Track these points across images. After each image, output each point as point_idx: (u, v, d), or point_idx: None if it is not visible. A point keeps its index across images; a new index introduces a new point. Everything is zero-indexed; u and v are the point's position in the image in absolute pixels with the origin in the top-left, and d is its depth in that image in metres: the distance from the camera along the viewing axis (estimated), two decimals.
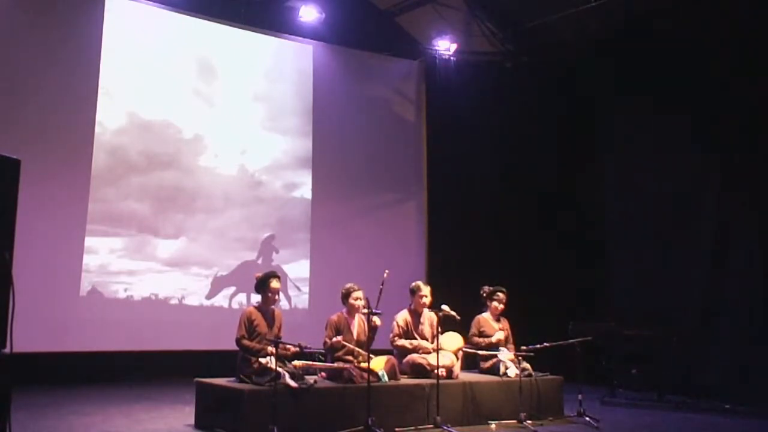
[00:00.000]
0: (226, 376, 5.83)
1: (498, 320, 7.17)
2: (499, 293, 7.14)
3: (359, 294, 6.23)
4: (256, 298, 6.12)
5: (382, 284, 6.19)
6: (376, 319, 5.99)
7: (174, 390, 7.67)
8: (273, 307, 6.03)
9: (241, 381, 5.65)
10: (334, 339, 6.10)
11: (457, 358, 6.65)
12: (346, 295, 6.31)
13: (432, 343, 6.53)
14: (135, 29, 9.32)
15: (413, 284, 6.83)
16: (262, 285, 5.95)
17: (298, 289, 9.95)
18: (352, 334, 6.26)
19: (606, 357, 8.53)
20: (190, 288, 9.30)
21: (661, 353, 8.43)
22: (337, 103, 10.82)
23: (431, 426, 5.98)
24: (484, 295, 7.18)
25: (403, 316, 6.72)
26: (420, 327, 6.72)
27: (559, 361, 6.93)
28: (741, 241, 8.75)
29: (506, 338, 7.14)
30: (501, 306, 7.13)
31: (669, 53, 9.55)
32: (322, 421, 5.49)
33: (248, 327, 5.81)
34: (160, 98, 9.39)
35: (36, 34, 8.56)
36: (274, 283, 5.94)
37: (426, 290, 6.72)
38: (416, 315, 6.75)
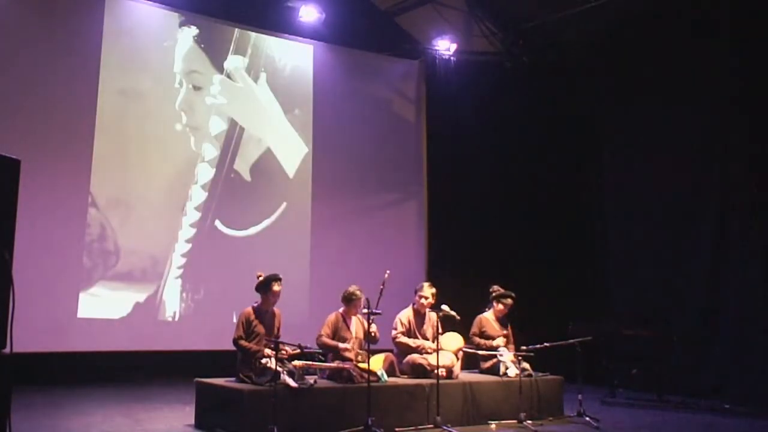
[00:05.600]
0: (226, 376, 5.83)
1: (502, 323, 7.15)
2: (508, 298, 7.11)
3: (360, 297, 6.24)
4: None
5: (383, 284, 6.20)
6: (374, 330, 6.00)
7: (174, 390, 7.68)
8: (272, 306, 6.03)
9: (241, 381, 5.65)
10: (341, 346, 6.12)
11: (458, 358, 6.65)
12: (348, 299, 6.32)
13: (432, 343, 6.53)
14: (135, 29, 9.32)
15: (419, 284, 6.85)
16: (264, 286, 5.94)
17: None
18: (350, 333, 6.27)
19: (606, 357, 8.52)
20: (190, 288, 9.29)
21: (661, 353, 8.42)
22: (337, 103, 10.82)
23: (431, 426, 5.99)
24: (493, 294, 7.15)
25: (406, 314, 6.73)
26: (423, 327, 6.72)
27: (559, 361, 6.93)
28: (741, 241, 8.75)
29: (507, 339, 7.13)
30: (505, 311, 7.13)
31: (669, 53, 9.55)
32: (322, 421, 5.49)
33: (246, 327, 5.81)
34: (160, 98, 9.39)
35: (36, 34, 8.55)
36: (276, 287, 5.94)
37: (428, 291, 6.71)
38: (419, 314, 6.75)
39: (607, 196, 10.63)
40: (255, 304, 5.99)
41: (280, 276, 6.01)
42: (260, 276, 5.99)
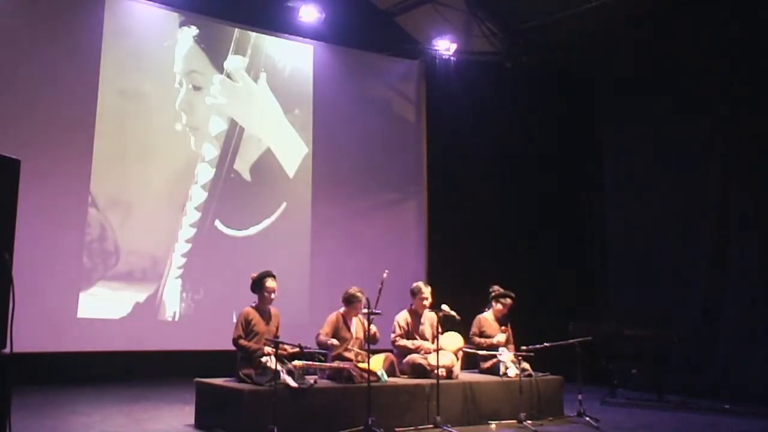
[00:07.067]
0: (226, 376, 5.84)
1: (501, 323, 7.15)
2: (508, 298, 7.12)
3: (361, 299, 6.23)
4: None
5: (382, 284, 6.20)
6: (375, 330, 6.00)
7: (174, 390, 7.67)
8: (270, 306, 6.04)
9: (241, 381, 5.65)
10: (330, 341, 6.13)
11: (457, 358, 6.65)
12: (349, 300, 6.31)
13: (432, 343, 6.53)
14: (135, 29, 9.32)
15: (414, 285, 6.82)
16: (257, 284, 5.96)
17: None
18: (351, 333, 6.28)
19: (606, 357, 8.53)
20: (190, 288, 9.29)
21: (661, 353, 8.43)
22: (337, 103, 10.82)
23: (431, 426, 5.98)
24: (493, 294, 7.16)
25: (403, 317, 6.72)
26: (420, 327, 6.72)
27: (559, 361, 6.92)
28: (741, 241, 8.75)
29: (507, 339, 7.13)
30: (505, 310, 7.13)
31: (669, 53, 9.55)
32: (322, 421, 5.49)
33: (245, 327, 5.82)
34: (160, 98, 9.39)
35: (36, 34, 8.55)
36: (270, 282, 5.95)
37: (427, 291, 6.72)
38: (416, 315, 6.75)
39: (607, 195, 10.63)
40: (253, 304, 6.00)
41: (273, 273, 6.02)
42: (253, 276, 6.00)
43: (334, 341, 6.16)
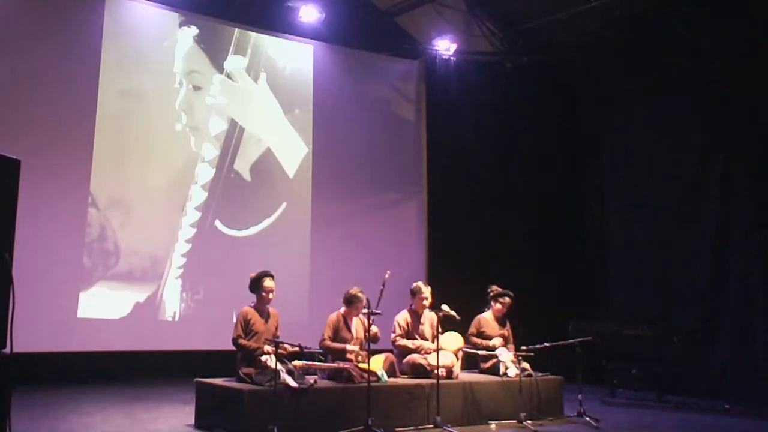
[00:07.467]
0: (226, 376, 5.84)
1: (501, 323, 7.15)
2: (506, 297, 7.13)
3: (362, 299, 6.22)
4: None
5: (383, 285, 6.20)
6: (376, 330, 6.00)
7: (174, 390, 7.68)
8: (269, 306, 6.04)
9: (241, 381, 5.66)
10: (349, 347, 6.12)
11: (457, 358, 6.65)
12: (349, 300, 6.31)
13: (432, 343, 6.53)
14: (135, 29, 9.32)
15: (414, 285, 6.82)
16: (255, 284, 5.96)
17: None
18: (351, 333, 6.28)
19: (606, 357, 8.53)
20: (190, 288, 9.29)
21: (661, 353, 8.43)
22: (337, 103, 10.82)
23: (431, 426, 5.99)
24: (491, 294, 7.16)
25: (403, 317, 6.73)
26: (420, 327, 6.72)
27: (559, 361, 6.93)
28: (741, 241, 8.75)
29: (506, 339, 7.13)
30: (504, 310, 7.13)
31: (669, 52, 9.55)
32: (322, 421, 5.49)
33: (245, 327, 5.83)
34: (160, 98, 9.39)
35: (36, 34, 8.55)
36: (268, 282, 5.95)
37: (427, 291, 6.72)
38: (416, 315, 6.76)
39: (607, 196, 10.63)
40: (252, 304, 6.01)
41: (271, 272, 6.02)
42: (252, 275, 6.01)
43: (354, 347, 6.15)
